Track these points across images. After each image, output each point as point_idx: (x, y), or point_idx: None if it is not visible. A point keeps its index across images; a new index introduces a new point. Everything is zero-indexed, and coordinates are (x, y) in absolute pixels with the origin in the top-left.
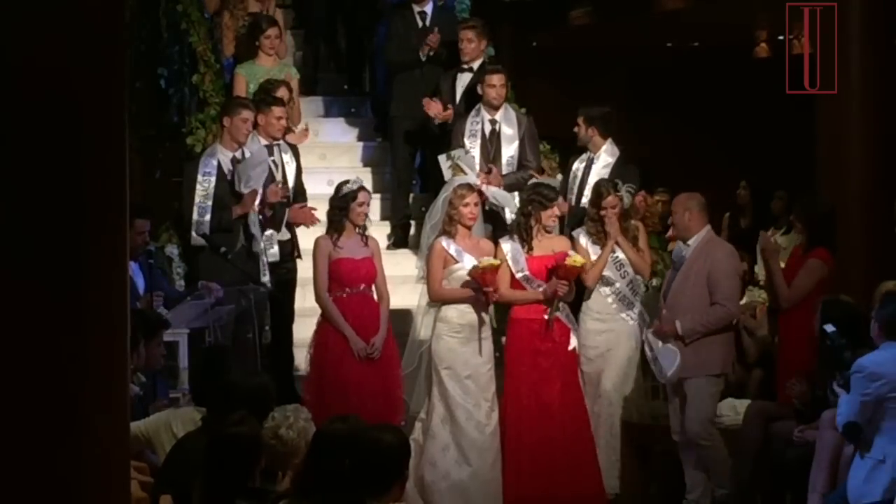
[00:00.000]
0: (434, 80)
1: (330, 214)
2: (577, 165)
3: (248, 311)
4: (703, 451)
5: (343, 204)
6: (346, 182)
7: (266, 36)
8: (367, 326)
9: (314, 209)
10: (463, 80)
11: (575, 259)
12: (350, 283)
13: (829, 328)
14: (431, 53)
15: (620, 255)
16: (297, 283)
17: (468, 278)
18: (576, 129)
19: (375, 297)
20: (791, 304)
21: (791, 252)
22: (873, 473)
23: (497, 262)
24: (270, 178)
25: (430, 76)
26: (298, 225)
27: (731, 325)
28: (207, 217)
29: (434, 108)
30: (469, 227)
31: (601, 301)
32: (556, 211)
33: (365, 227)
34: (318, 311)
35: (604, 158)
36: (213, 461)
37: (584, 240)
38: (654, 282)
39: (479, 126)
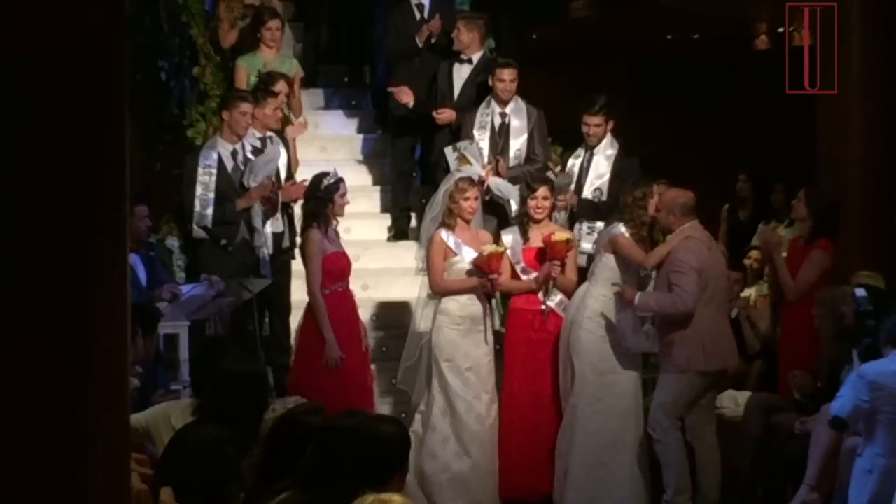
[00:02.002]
0: (433, 71)
1: (312, 207)
2: (573, 161)
3: (248, 303)
4: (655, 445)
5: (328, 196)
6: (325, 174)
7: (267, 28)
8: (356, 321)
9: (305, 180)
10: (462, 71)
11: (560, 235)
12: (342, 277)
13: (860, 292)
14: (433, 41)
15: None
16: (295, 276)
17: (469, 268)
18: (593, 131)
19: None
20: (798, 296)
21: (790, 243)
22: (862, 480)
23: (501, 248)
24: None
25: (429, 67)
26: (292, 201)
27: (685, 321)
28: (209, 210)
29: (406, 97)
30: (468, 221)
31: (607, 304)
32: (539, 201)
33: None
34: None
35: (605, 151)
36: (276, 443)
37: (626, 232)
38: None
39: (489, 118)
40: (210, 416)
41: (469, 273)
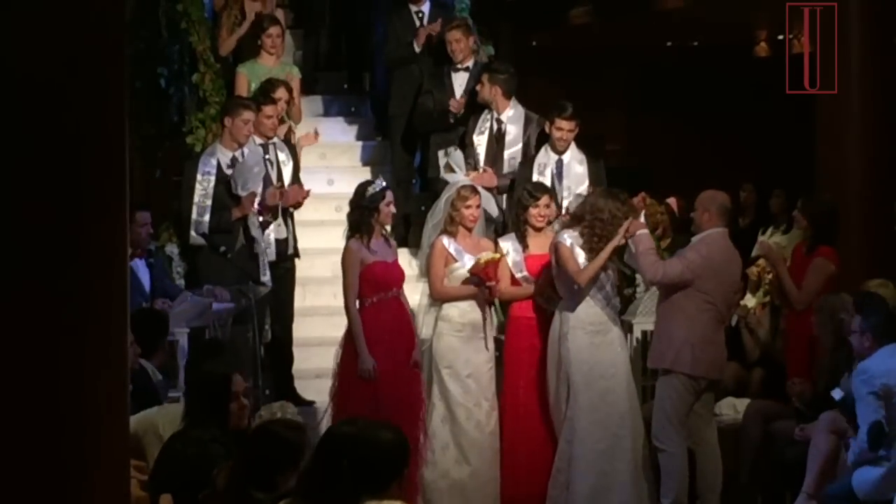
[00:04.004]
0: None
1: (357, 217)
2: (542, 171)
3: (248, 310)
4: (659, 455)
5: (372, 204)
6: (369, 183)
7: (268, 35)
8: (405, 332)
9: (301, 185)
10: (459, 79)
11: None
12: (386, 287)
13: (837, 394)
14: (434, 41)
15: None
16: (296, 283)
17: (469, 276)
18: (566, 136)
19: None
20: (804, 305)
21: (793, 251)
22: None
23: (497, 255)
24: (269, 180)
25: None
26: (293, 206)
27: (681, 322)
28: (207, 217)
29: (457, 106)
30: (470, 229)
31: (595, 311)
32: (542, 210)
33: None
34: (319, 310)
35: (577, 157)
36: (250, 453)
37: (569, 241)
38: (641, 289)
39: (488, 124)
40: (195, 420)
41: (466, 282)
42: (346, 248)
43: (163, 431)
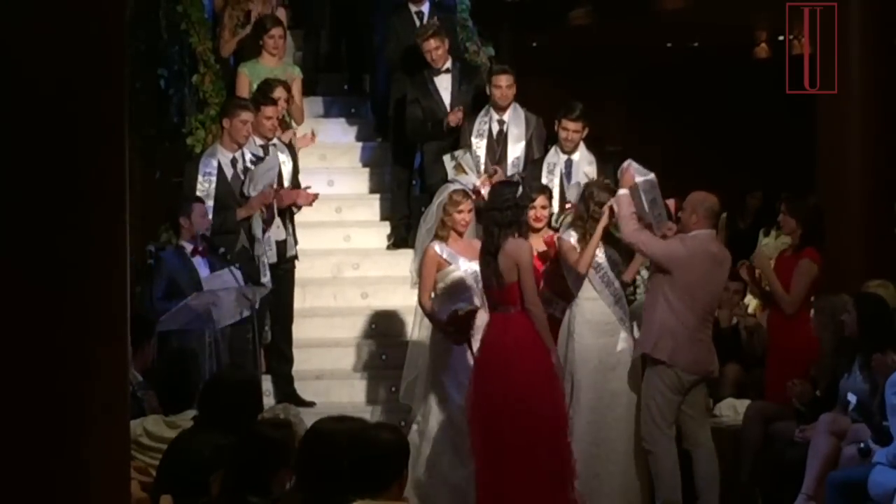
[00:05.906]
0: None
1: (510, 217)
2: (551, 170)
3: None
4: (648, 457)
5: (526, 202)
6: (509, 182)
7: (270, 35)
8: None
9: (308, 187)
10: (443, 82)
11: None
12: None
13: (852, 398)
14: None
15: (600, 256)
16: (295, 283)
17: (463, 278)
18: (572, 136)
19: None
20: (795, 308)
21: (778, 255)
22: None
23: (475, 307)
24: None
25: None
26: (295, 207)
27: (667, 313)
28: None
29: (455, 120)
30: (461, 234)
31: (603, 311)
32: (538, 210)
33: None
34: (319, 311)
35: (586, 157)
36: (240, 457)
37: (573, 238)
38: (641, 291)
39: (487, 126)
40: (210, 423)
41: (448, 324)
42: (521, 248)
43: (146, 441)
